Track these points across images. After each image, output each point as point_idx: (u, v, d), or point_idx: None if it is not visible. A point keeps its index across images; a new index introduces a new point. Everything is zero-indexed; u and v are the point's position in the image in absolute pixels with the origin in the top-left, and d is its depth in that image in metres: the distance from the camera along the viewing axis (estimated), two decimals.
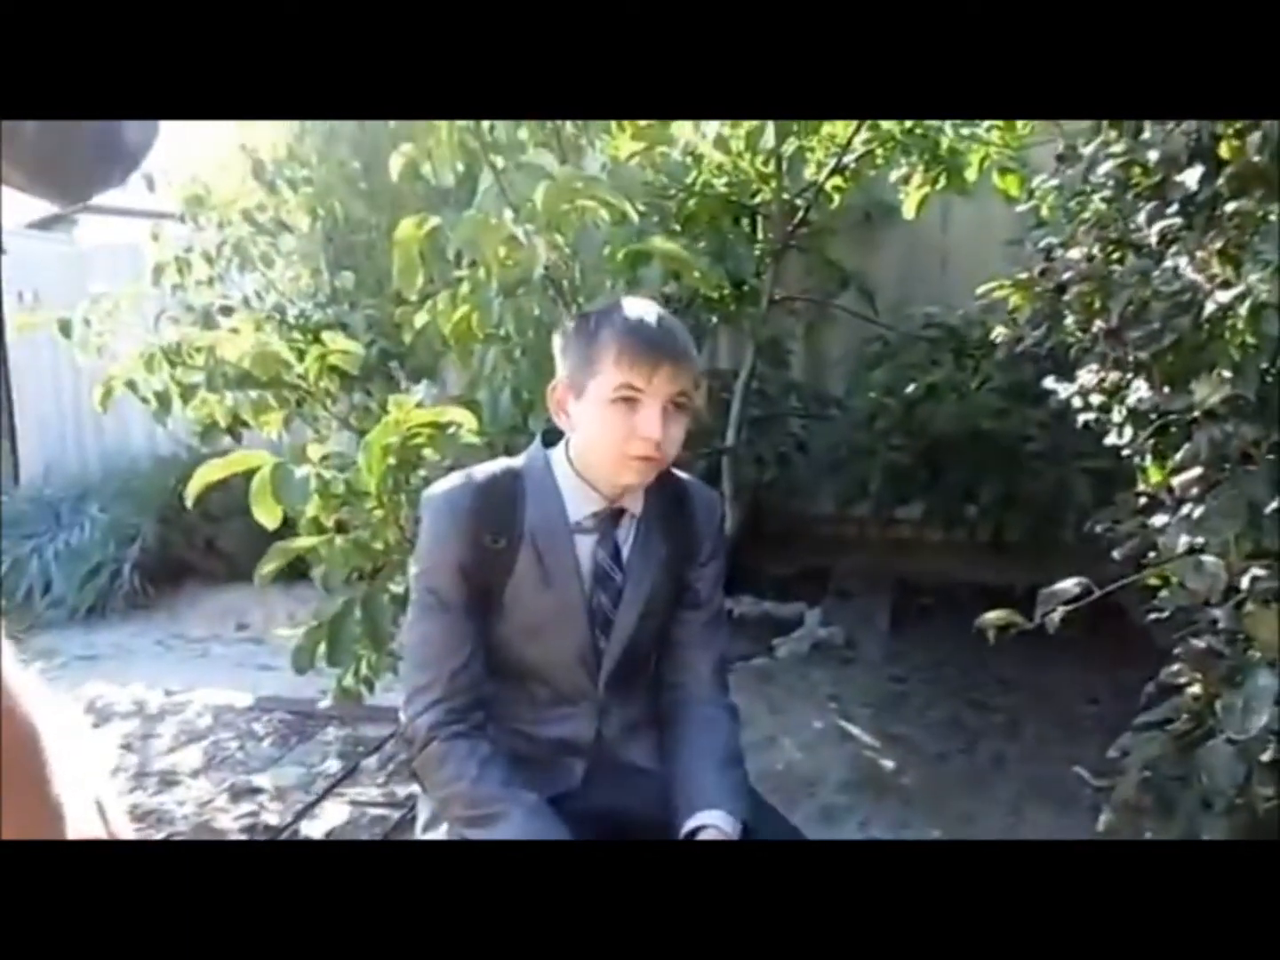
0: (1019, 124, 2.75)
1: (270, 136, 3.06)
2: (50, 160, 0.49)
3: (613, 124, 2.60)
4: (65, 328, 2.60)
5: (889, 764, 2.33)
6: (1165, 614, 1.32)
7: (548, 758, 1.12)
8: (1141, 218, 1.34)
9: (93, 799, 0.41)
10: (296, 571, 1.90)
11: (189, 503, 1.67)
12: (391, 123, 2.20)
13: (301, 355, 2.16)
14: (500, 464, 1.14)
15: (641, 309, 1.07)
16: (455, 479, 1.12)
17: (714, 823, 1.01)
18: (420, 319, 2.00)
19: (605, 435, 1.04)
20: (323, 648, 1.89)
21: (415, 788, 1.27)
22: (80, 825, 0.39)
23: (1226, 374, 1.09)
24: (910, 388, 2.96)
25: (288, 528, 1.79)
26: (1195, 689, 1.21)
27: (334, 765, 2.37)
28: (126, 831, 0.46)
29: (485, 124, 2.07)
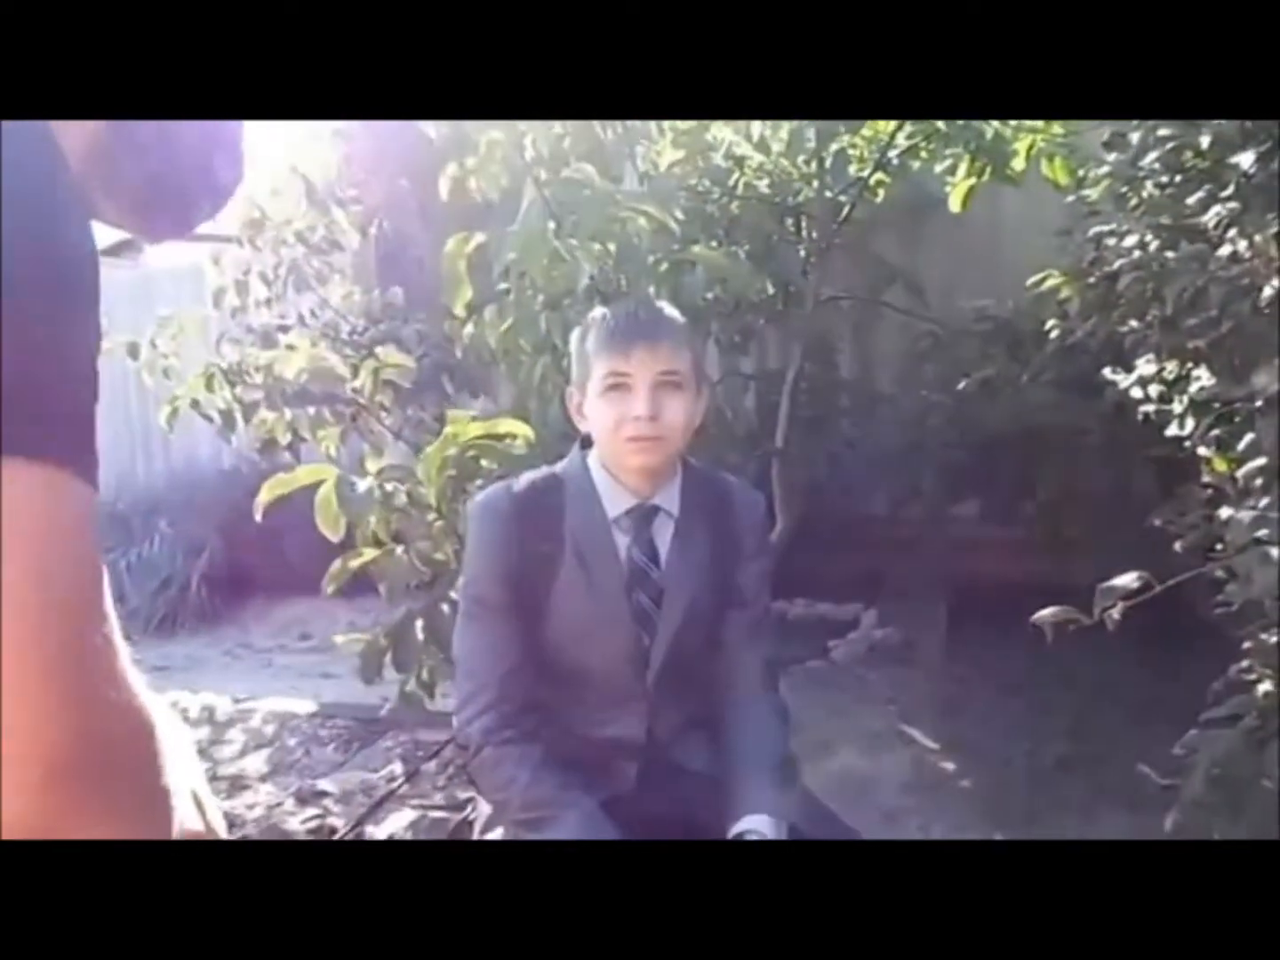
0: None
1: (321, 158, 3.15)
2: (145, 198, 0.52)
3: (654, 131, 2.62)
4: (133, 350, 2.70)
5: (950, 766, 2.29)
6: (1233, 608, 1.28)
7: (600, 760, 1.13)
8: (1194, 202, 1.30)
9: (189, 792, 0.44)
10: (358, 582, 1.95)
11: (257, 516, 1.73)
12: (436, 140, 2.26)
13: (356, 370, 2.21)
14: (541, 471, 1.17)
15: (623, 305, 1.14)
16: (498, 488, 1.16)
17: (756, 828, 1.01)
18: (468, 332, 2.04)
19: (604, 423, 1.09)
20: (389, 657, 1.94)
21: (474, 792, 1.30)
22: (182, 815, 0.41)
23: None
24: (962, 383, 2.91)
25: (347, 539, 1.85)
26: (1266, 685, 1.17)
27: (396, 769, 2.42)
28: (220, 821, 0.49)
29: (528, 139, 2.10)
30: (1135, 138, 1.43)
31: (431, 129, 2.24)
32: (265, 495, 1.66)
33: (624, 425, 1.07)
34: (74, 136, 0.42)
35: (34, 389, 0.35)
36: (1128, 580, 1.00)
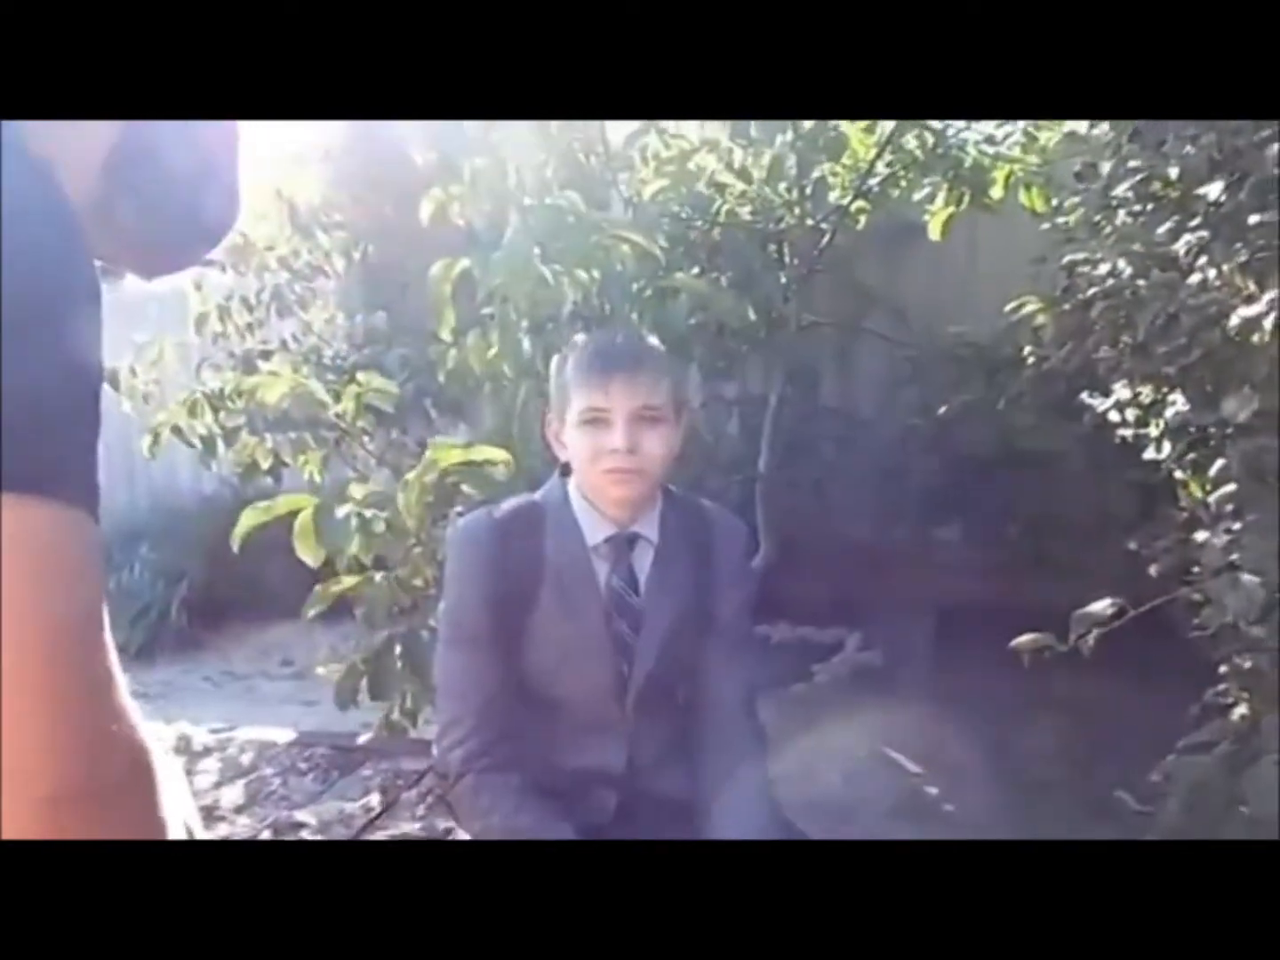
0: (1041, 139, 2.74)
1: (306, 183, 3.16)
2: (142, 238, 0.53)
3: (637, 160, 2.65)
4: (113, 377, 2.69)
5: (933, 790, 2.29)
6: (1210, 631, 1.29)
7: (580, 788, 1.12)
8: (1164, 231, 1.33)
9: (182, 823, 0.44)
10: (339, 608, 1.94)
11: (235, 547, 1.72)
12: (422, 165, 2.28)
13: (338, 396, 2.21)
14: (522, 498, 1.17)
15: (601, 336, 1.13)
16: (478, 515, 1.16)
17: None
18: (452, 356, 2.05)
19: (582, 455, 1.09)
20: (365, 683, 1.92)
21: (453, 821, 1.28)
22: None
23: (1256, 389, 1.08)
24: (943, 408, 2.94)
25: (327, 565, 1.84)
26: (1242, 709, 1.18)
27: (374, 800, 2.38)
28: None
29: (511, 165, 2.12)
30: (1106, 168, 1.46)
31: (418, 155, 2.26)
32: (242, 527, 1.65)
33: (602, 458, 1.07)
34: (72, 175, 0.43)
35: (40, 425, 0.36)
36: (1101, 607, 1.01)
